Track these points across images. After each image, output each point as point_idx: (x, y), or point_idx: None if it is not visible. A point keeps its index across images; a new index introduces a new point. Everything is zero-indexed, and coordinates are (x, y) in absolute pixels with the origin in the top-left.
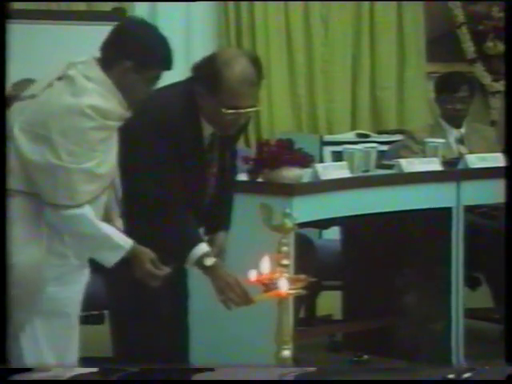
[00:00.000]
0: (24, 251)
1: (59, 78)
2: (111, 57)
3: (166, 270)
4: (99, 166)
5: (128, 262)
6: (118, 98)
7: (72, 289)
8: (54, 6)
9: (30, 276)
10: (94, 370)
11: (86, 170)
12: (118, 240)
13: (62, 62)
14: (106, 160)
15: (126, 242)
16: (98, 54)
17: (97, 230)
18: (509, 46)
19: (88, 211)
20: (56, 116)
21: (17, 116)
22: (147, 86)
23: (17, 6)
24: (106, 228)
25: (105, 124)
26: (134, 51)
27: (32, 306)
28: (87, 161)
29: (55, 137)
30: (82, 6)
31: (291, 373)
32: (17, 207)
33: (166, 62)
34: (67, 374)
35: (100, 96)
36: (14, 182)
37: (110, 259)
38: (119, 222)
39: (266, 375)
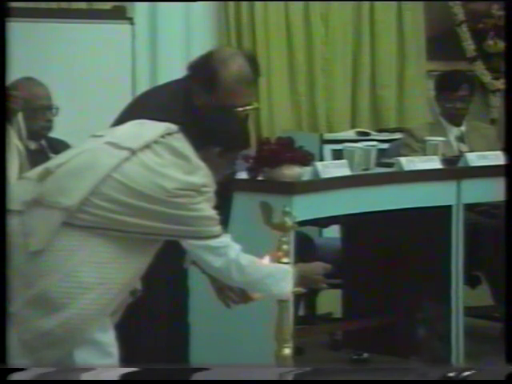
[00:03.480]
0: (87, 295)
1: (157, 143)
2: (198, 141)
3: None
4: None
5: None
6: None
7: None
8: (53, 4)
9: (82, 323)
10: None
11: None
12: (283, 268)
13: (159, 125)
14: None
15: (290, 267)
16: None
17: (262, 269)
18: (509, 45)
19: (238, 257)
20: (171, 190)
21: (128, 175)
22: (229, 166)
23: (17, 4)
24: (264, 266)
25: (211, 196)
26: (222, 139)
27: (73, 348)
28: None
29: (163, 209)
30: (82, 5)
31: (291, 372)
32: (97, 250)
33: (247, 144)
34: (68, 374)
35: (205, 174)
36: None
37: (285, 289)
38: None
39: (266, 375)
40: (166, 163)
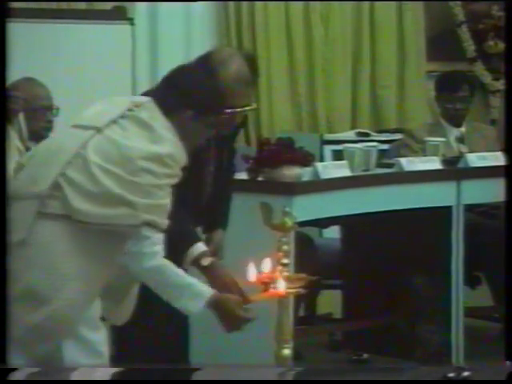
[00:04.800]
0: (72, 285)
1: (123, 117)
2: (172, 104)
3: (252, 313)
4: (169, 204)
5: (215, 312)
6: (184, 146)
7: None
8: (53, 4)
9: (72, 312)
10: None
11: (161, 205)
12: (199, 288)
13: (126, 100)
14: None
15: (207, 290)
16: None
17: (176, 279)
18: (509, 45)
19: (166, 261)
20: (135, 160)
21: (91, 153)
22: (206, 131)
23: (17, 4)
24: (186, 276)
25: (177, 173)
26: (194, 101)
27: (61, 341)
28: (163, 198)
29: (133, 179)
30: (82, 5)
31: (290, 372)
32: (73, 238)
33: (223, 108)
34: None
35: (174, 145)
36: (81, 212)
37: (192, 308)
38: None
39: (266, 375)
40: (129, 135)
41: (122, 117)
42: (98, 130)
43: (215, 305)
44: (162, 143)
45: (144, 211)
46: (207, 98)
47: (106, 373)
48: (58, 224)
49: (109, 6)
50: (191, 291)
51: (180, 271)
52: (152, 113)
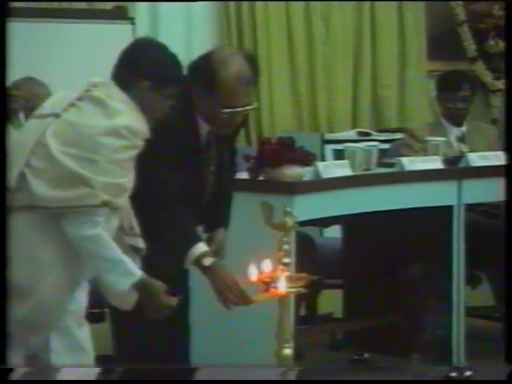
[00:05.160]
0: (50, 274)
1: (80, 99)
2: (127, 77)
3: (175, 301)
4: (129, 181)
5: (140, 294)
6: (142, 117)
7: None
8: (55, 4)
9: (55, 300)
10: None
11: (120, 185)
12: (131, 266)
13: (80, 82)
14: (132, 177)
15: (137, 271)
16: (110, 71)
17: (111, 252)
18: (509, 45)
19: (104, 232)
20: (92, 137)
21: (50, 138)
22: (164, 103)
23: (17, 4)
24: (120, 253)
25: (136, 143)
26: (149, 71)
27: (50, 330)
28: (121, 177)
29: (91, 156)
30: (83, 5)
31: (291, 371)
32: (45, 226)
33: (180, 79)
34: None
35: (130, 116)
36: (43, 198)
37: (121, 285)
38: (138, 241)
39: (266, 375)
40: (85, 114)
41: (79, 99)
42: (56, 115)
43: (142, 287)
44: (116, 116)
45: (102, 190)
46: (163, 67)
47: (105, 373)
48: (28, 215)
49: (109, 5)
50: (123, 268)
51: (116, 247)
52: (108, 90)
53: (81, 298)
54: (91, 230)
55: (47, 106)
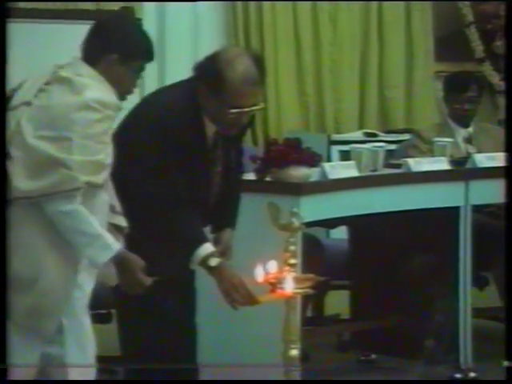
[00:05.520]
0: (50, 259)
1: (48, 83)
2: (95, 52)
3: (149, 280)
4: (107, 156)
5: (118, 267)
6: (112, 90)
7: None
8: (61, 5)
9: (59, 283)
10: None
11: (97, 162)
12: (109, 240)
13: (45, 66)
14: (110, 152)
15: (116, 245)
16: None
17: (89, 227)
18: (509, 46)
19: (82, 207)
20: (62, 116)
21: (24, 126)
22: (133, 77)
23: (23, 4)
24: (99, 227)
25: (108, 115)
26: (117, 44)
27: (60, 313)
28: (97, 153)
29: (65, 134)
30: (89, 5)
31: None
32: (35, 214)
33: (150, 53)
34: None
35: (98, 89)
36: (20, 190)
37: (99, 258)
38: (120, 219)
39: (272, 374)
40: (54, 96)
41: (47, 83)
42: (28, 103)
43: (120, 261)
44: (84, 91)
45: (80, 171)
46: (131, 41)
47: (110, 373)
48: (17, 206)
49: (116, 6)
50: (101, 242)
51: (93, 220)
52: (75, 67)
53: (85, 284)
54: (68, 206)
55: (17, 96)
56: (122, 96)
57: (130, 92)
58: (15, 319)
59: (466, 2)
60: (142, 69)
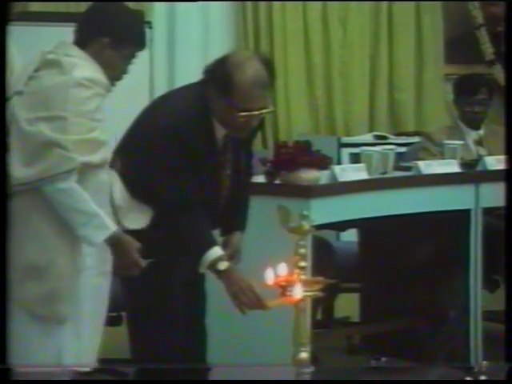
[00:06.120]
0: (57, 244)
1: (37, 70)
2: (87, 34)
3: (144, 262)
4: (103, 134)
5: (113, 249)
6: (101, 71)
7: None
8: (72, 7)
9: (68, 267)
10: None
11: (93, 140)
12: (106, 220)
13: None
14: (105, 128)
15: (113, 225)
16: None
17: (86, 205)
18: (509, 46)
19: (77, 186)
20: (54, 96)
21: (18, 113)
22: (123, 63)
23: (37, 8)
24: (95, 207)
25: (99, 92)
26: (110, 28)
27: (71, 296)
28: (92, 130)
29: (58, 113)
30: None
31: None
32: (40, 206)
33: (141, 40)
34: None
35: (87, 68)
36: (17, 177)
37: (96, 238)
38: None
39: (281, 375)
40: (43, 80)
41: (37, 70)
42: (19, 92)
43: (115, 242)
44: (74, 70)
45: (77, 151)
46: (124, 26)
47: (118, 374)
48: (19, 196)
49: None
50: (98, 221)
51: (90, 200)
52: (65, 49)
53: (90, 271)
54: (64, 183)
55: (9, 87)
56: (111, 82)
57: (119, 78)
58: (31, 308)
59: (476, 4)
60: (132, 56)
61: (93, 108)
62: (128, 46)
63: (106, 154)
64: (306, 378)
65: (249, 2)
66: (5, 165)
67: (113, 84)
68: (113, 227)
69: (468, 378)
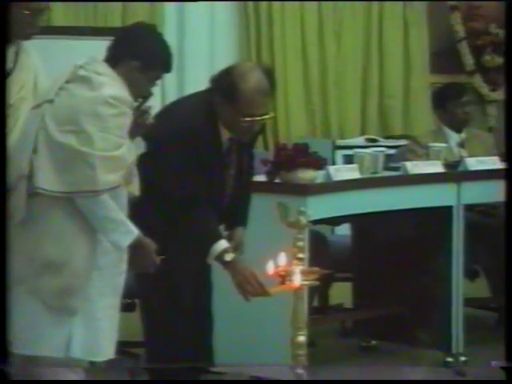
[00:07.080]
0: (76, 243)
1: (68, 81)
2: (118, 55)
3: (159, 259)
4: (128, 152)
5: (135, 250)
6: (127, 90)
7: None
8: (71, 22)
9: (83, 265)
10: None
11: (119, 157)
12: (130, 226)
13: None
14: (130, 147)
15: (135, 230)
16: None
17: (114, 213)
18: (509, 46)
19: (107, 196)
20: (83, 111)
21: (48, 122)
22: (149, 84)
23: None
24: (121, 214)
25: (125, 111)
26: (141, 53)
27: (83, 292)
28: (118, 147)
29: (85, 127)
30: (115, 22)
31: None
32: (62, 206)
33: (168, 65)
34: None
35: (115, 87)
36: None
37: (123, 242)
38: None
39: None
40: (74, 93)
41: (68, 81)
42: (50, 101)
43: (138, 244)
44: (102, 88)
45: (103, 168)
46: (154, 51)
47: (131, 356)
48: (42, 197)
49: (138, 8)
50: (124, 227)
51: (117, 208)
52: (95, 66)
53: (105, 269)
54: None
55: (40, 96)
56: (135, 99)
57: (142, 97)
58: (47, 300)
59: (458, 20)
60: (157, 78)
61: (118, 125)
62: (155, 70)
63: (128, 171)
64: (303, 359)
65: (251, 19)
66: (5, 165)
67: (135, 101)
68: (136, 232)
69: (449, 359)
